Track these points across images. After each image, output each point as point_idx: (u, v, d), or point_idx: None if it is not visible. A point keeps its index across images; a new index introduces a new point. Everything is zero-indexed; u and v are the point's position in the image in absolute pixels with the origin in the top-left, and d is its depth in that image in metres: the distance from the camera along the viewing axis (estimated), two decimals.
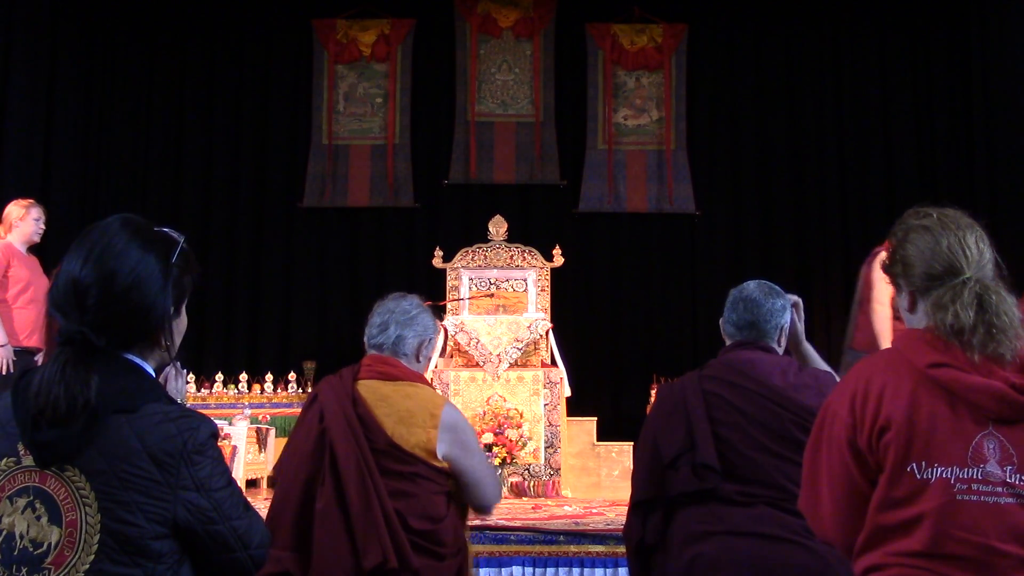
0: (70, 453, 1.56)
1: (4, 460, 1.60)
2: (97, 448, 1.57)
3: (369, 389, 2.71)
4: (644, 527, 2.64)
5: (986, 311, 1.69)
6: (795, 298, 2.80)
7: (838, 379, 2.54)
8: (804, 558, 2.35)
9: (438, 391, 2.93)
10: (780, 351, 2.73)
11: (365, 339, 2.89)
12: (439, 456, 2.66)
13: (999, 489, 1.63)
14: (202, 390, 8.22)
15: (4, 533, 1.57)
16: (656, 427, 2.69)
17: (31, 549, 1.56)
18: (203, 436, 1.64)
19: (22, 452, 1.60)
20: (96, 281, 1.63)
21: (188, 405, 1.84)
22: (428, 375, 3.03)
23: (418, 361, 2.85)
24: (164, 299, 1.69)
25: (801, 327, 2.80)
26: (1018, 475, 1.64)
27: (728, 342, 2.77)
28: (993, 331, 1.68)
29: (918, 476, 1.66)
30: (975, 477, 1.64)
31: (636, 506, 2.70)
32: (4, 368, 5.69)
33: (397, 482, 2.60)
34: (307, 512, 2.61)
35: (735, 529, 2.41)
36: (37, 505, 1.57)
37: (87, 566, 1.55)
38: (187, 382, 8.15)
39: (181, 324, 1.80)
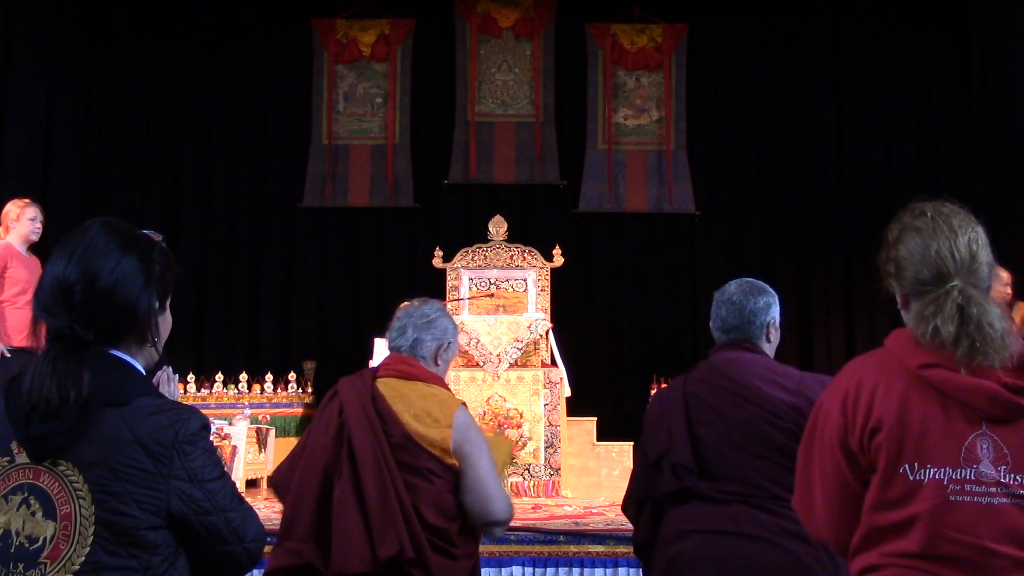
0: (63, 446, 1.58)
1: None
2: (89, 440, 1.58)
3: (387, 386, 2.76)
4: (636, 526, 2.72)
5: (967, 324, 1.66)
6: None
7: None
8: (776, 557, 2.37)
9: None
10: (771, 347, 2.74)
11: (387, 342, 2.96)
12: (452, 454, 2.68)
13: (993, 489, 1.62)
14: (202, 390, 8.22)
15: (0, 532, 1.58)
16: (645, 430, 2.75)
17: (27, 545, 1.57)
18: (194, 427, 1.65)
19: (15, 451, 1.61)
20: (80, 279, 1.66)
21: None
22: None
23: (436, 364, 2.88)
24: (147, 296, 1.72)
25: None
26: (1012, 475, 1.62)
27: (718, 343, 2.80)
28: (977, 344, 1.65)
29: (911, 477, 1.65)
30: (968, 478, 1.63)
31: (624, 506, 2.79)
32: None
33: (412, 476, 2.62)
34: (325, 504, 2.63)
35: (711, 528, 2.46)
36: (31, 501, 1.58)
37: (83, 558, 1.56)
38: (186, 382, 8.17)
39: (166, 322, 1.82)
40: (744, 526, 2.41)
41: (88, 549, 1.56)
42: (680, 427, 2.59)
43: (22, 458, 1.60)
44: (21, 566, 1.56)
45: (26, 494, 1.58)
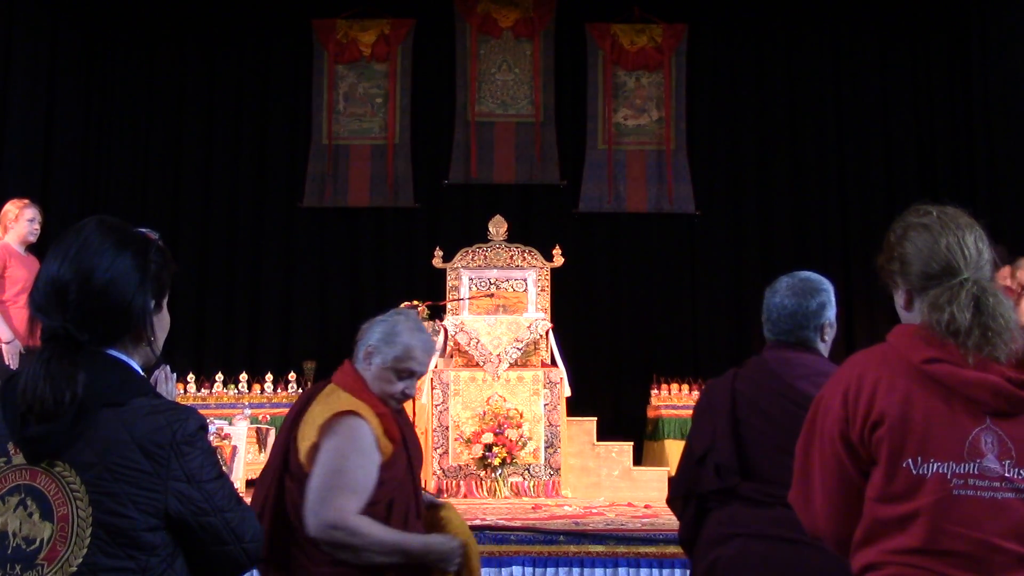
0: (59, 448, 1.57)
1: None
2: (86, 441, 1.57)
3: (327, 389, 2.74)
4: (680, 522, 2.67)
5: (982, 313, 1.68)
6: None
7: None
8: (818, 561, 2.28)
9: (355, 401, 2.66)
10: (826, 346, 2.63)
11: None
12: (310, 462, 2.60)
13: (997, 484, 1.62)
14: (202, 390, 8.22)
15: None
16: (693, 424, 2.71)
17: (24, 547, 1.56)
18: (192, 428, 1.64)
19: (12, 451, 1.60)
20: (74, 278, 1.64)
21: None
22: (393, 387, 2.72)
23: (367, 371, 2.71)
24: (143, 295, 1.70)
25: None
26: (1016, 469, 1.62)
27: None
28: (989, 334, 1.66)
29: (914, 472, 1.65)
30: (972, 472, 1.62)
31: (669, 501, 2.73)
32: (13, 363, 5.70)
33: (292, 482, 2.60)
34: None
35: (752, 532, 2.42)
36: (28, 502, 1.57)
37: (80, 560, 1.55)
38: (186, 382, 8.17)
39: (164, 320, 1.80)
40: (785, 530, 2.32)
41: (86, 551, 1.55)
42: (725, 425, 2.54)
43: (19, 459, 1.59)
44: (18, 567, 1.55)
45: (23, 495, 1.57)
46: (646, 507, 6.21)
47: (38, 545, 1.56)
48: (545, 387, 7.16)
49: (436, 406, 7.07)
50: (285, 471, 2.62)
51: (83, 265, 1.65)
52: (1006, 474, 1.62)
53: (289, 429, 2.69)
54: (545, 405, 7.12)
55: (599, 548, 4.61)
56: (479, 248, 7.92)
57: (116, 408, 1.60)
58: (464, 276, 7.83)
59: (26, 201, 6.12)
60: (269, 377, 8.32)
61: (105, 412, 1.59)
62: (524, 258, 7.85)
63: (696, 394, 8.33)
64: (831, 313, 2.61)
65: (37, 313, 1.66)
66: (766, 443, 2.47)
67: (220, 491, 1.66)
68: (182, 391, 8.06)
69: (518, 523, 5.08)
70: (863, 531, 1.71)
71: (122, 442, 1.58)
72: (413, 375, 2.73)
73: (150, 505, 1.58)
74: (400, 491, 2.63)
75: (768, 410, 2.50)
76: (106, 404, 1.59)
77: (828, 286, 2.63)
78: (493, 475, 6.87)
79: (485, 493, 6.85)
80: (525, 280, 7.82)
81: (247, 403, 7.97)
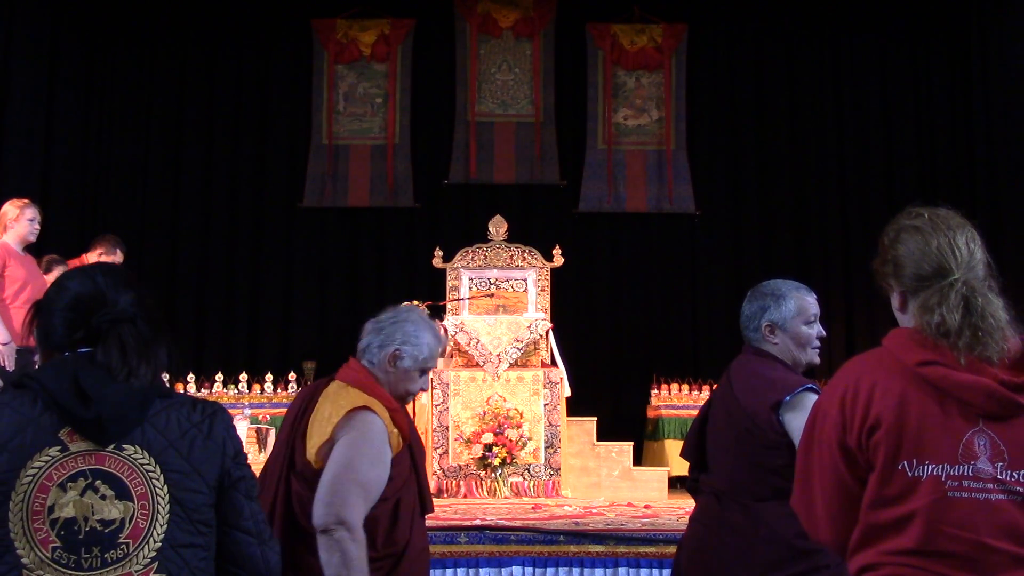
0: (129, 429, 1.64)
1: (44, 451, 1.61)
2: (152, 425, 1.67)
3: (333, 387, 2.69)
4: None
5: (972, 313, 1.68)
6: None
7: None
8: (701, 541, 2.73)
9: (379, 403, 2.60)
10: (779, 347, 2.75)
11: None
12: (323, 459, 2.55)
13: (990, 486, 1.63)
14: (202, 390, 8.22)
15: (61, 520, 1.58)
16: None
17: (101, 529, 1.60)
18: (229, 416, 1.80)
19: (67, 440, 1.62)
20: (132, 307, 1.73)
21: None
22: (415, 385, 2.72)
23: (388, 371, 2.66)
24: (168, 348, 1.78)
25: None
26: (1009, 471, 1.64)
27: None
28: (979, 334, 1.67)
29: (909, 474, 1.66)
30: (966, 474, 1.64)
31: (688, 489, 3.05)
32: (9, 364, 5.69)
33: (298, 483, 2.58)
34: None
35: (695, 517, 2.83)
36: (99, 485, 1.61)
37: (163, 536, 1.63)
38: (186, 382, 8.17)
39: None
40: (703, 516, 2.76)
41: (166, 527, 1.63)
42: (695, 424, 2.87)
43: (79, 445, 1.62)
44: (96, 549, 1.58)
45: (90, 479, 1.61)
46: (646, 507, 6.21)
47: (118, 525, 1.60)
48: (545, 387, 7.16)
49: (436, 406, 7.07)
50: (291, 471, 2.61)
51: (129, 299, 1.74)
52: (998, 476, 1.63)
53: (292, 428, 2.67)
54: (545, 405, 7.12)
55: (599, 548, 4.62)
56: (479, 248, 7.92)
57: (166, 399, 1.72)
58: (464, 276, 7.83)
59: (26, 201, 6.13)
60: (269, 377, 8.33)
61: (161, 402, 1.70)
62: (524, 258, 7.85)
63: (695, 394, 8.37)
64: (775, 314, 2.74)
65: (106, 293, 1.70)
66: (714, 441, 2.77)
67: (252, 476, 1.80)
68: (182, 391, 8.06)
69: (518, 523, 5.08)
70: (859, 534, 1.72)
71: (184, 425, 1.69)
72: (428, 371, 2.79)
73: (215, 479, 1.70)
74: (405, 490, 2.63)
75: (717, 411, 2.79)
76: (159, 395, 1.71)
77: (784, 291, 2.76)
78: (493, 475, 6.87)
79: (485, 493, 6.86)
80: (525, 280, 7.82)
81: (247, 403, 7.98)
